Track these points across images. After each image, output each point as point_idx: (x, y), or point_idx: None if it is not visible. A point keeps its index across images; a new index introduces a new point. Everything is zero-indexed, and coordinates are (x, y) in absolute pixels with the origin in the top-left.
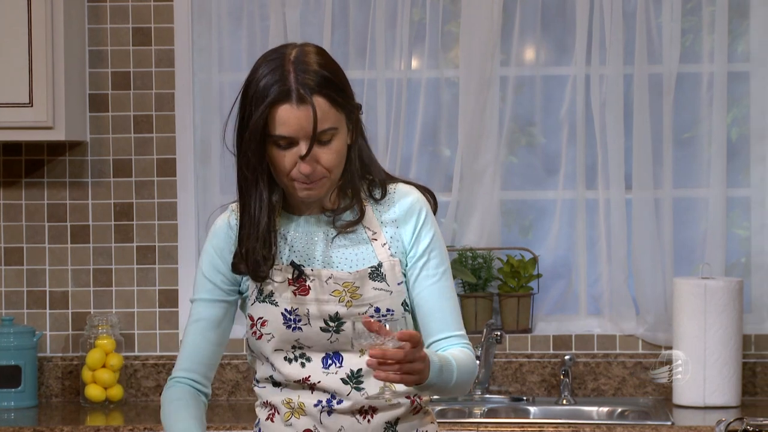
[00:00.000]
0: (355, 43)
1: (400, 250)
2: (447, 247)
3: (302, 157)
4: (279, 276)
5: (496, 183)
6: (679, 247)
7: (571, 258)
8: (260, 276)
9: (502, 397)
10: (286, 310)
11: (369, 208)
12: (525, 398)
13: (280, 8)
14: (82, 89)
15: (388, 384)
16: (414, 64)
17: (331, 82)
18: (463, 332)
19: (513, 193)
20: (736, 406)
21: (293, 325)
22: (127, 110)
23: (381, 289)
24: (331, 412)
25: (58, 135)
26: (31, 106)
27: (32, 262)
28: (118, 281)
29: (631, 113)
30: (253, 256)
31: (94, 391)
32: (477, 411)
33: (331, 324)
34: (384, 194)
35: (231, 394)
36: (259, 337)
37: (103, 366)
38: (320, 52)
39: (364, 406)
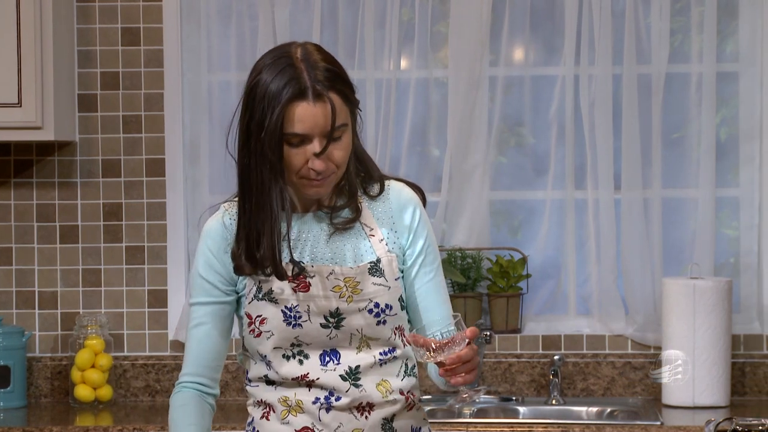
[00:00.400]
0: (344, 43)
1: (397, 246)
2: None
3: (317, 155)
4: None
5: (486, 183)
6: (668, 247)
7: (560, 258)
8: (284, 274)
9: (492, 397)
10: (286, 307)
11: (364, 205)
12: (514, 398)
13: (269, 8)
14: (71, 89)
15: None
16: (403, 64)
17: (341, 78)
18: (459, 317)
19: (502, 193)
20: (725, 406)
21: (293, 322)
22: (116, 110)
23: (380, 285)
24: (329, 409)
25: (47, 135)
26: (20, 106)
27: (21, 263)
28: (107, 281)
29: (620, 113)
30: (279, 255)
31: (83, 392)
32: (466, 411)
33: (331, 320)
34: (381, 191)
35: (220, 395)
36: (258, 335)
37: (93, 366)
38: (321, 49)
39: (361, 403)
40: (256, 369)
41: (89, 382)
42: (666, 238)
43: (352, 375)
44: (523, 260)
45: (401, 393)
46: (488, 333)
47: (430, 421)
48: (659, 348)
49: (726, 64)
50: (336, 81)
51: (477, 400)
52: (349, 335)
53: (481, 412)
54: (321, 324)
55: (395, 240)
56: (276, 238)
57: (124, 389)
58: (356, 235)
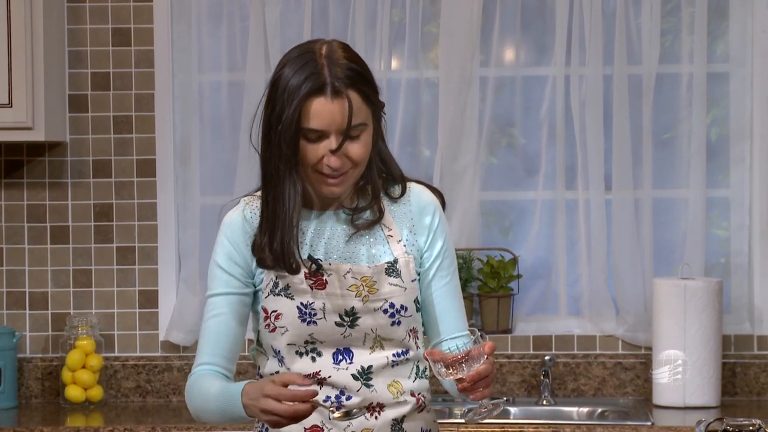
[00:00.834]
0: None
1: (415, 248)
2: None
3: (333, 151)
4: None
5: (476, 183)
6: (659, 248)
7: (551, 258)
8: (294, 268)
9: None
10: (301, 303)
11: (385, 206)
12: (505, 399)
13: (259, 9)
14: (62, 90)
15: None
16: (394, 64)
17: (363, 77)
18: (473, 327)
19: (493, 194)
20: (715, 407)
21: (308, 319)
22: (107, 111)
23: (396, 285)
24: (340, 407)
25: (38, 135)
26: (11, 106)
27: (12, 263)
28: (98, 282)
29: (611, 114)
30: (289, 248)
31: (74, 392)
32: (457, 411)
33: (346, 319)
34: (402, 193)
35: None
36: (273, 330)
37: (83, 367)
38: (348, 48)
39: (372, 403)
40: (269, 365)
41: (80, 382)
42: (657, 238)
43: (364, 375)
44: (514, 261)
45: (412, 394)
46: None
47: None
48: (650, 348)
49: (716, 64)
50: (357, 80)
51: (495, 414)
52: (363, 334)
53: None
54: (336, 322)
55: (414, 242)
56: (288, 233)
57: (115, 390)
58: (375, 235)
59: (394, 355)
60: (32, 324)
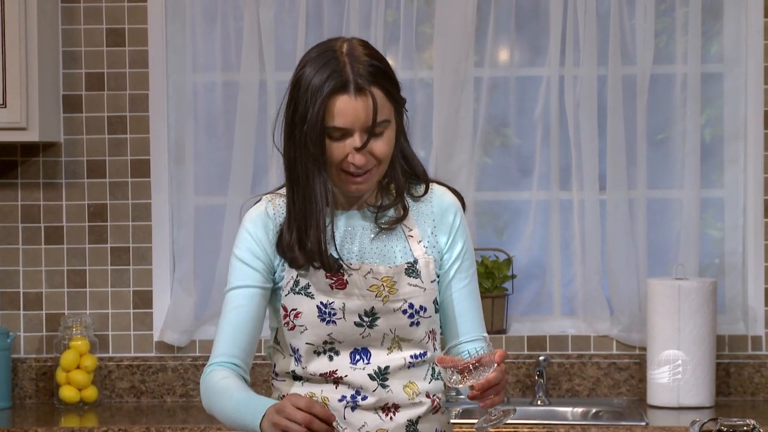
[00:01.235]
0: None
1: (436, 249)
2: None
3: (357, 149)
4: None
5: (471, 184)
6: (653, 248)
7: (545, 259)
8: (331, 265)
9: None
10: (321, 303)
11: (408, 205)
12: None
13: (254, 9)
14: (56, 90)
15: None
16: None
17: (385, 74)
18: (486, 333)
19: (487, 194)
20: (710, 407)
21: (327, 319)
22: (101, 111)
23: (416, 286)
24: (355, 407)
25: (32, 136)
26: (5, 107)
27: (6, 263)
28: (92, 282)
29: (605, 114)
30: (325, 246)
31: (68, 393)
32: (452, 411)
33: (366, 319)
34: (425, 192)
35: None
36: (292, 329)
37: (78, 367)
38: (368, 45)
39: (387, 403)
40: (284, 363)
41: (74, 383)
42: (651, 238)
43: (381, 375)
44: (509, 261)
45: (427, 396)
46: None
47: None
48: (644, 348)
49: (711, 64)
50: (379, 76)
51: (506, 421)
52: (381, 335)
53: (466, 413)
54: (355, 322)
55: (435, 243)
56: (322, 231)
57: (109, 390)
58: (396, 235)
59: (411, 356)
60: (26, 324)
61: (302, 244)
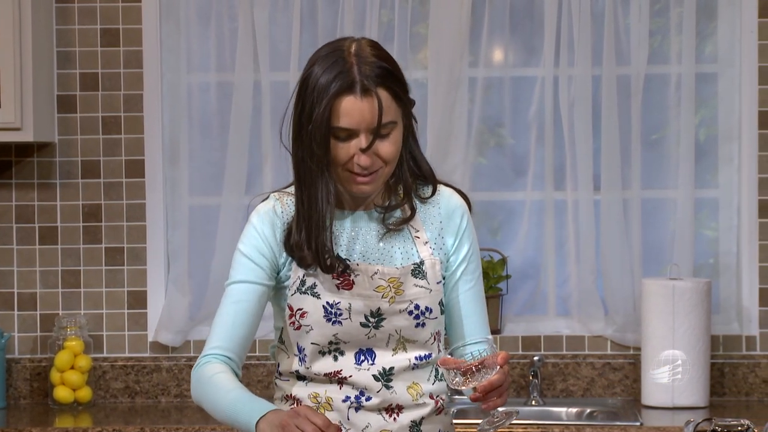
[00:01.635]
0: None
1: (442, 251)
2: None
3: (363, 150)
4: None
5: (465, 184)
6: (648, 248)
7: (539, 259)
8: (329, 266)
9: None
10: (327, 303)
11: (416, 206)
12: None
13: (248, 9)
14: (50, 90)
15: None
16: None
17: (393, 75)
18: (490, 335)
19: (482, 194)
20: (704, 407)
21: (333, 319)
22: (96, 111)
23: (422, 287)
24: (359, 408)
25: (26, 136)
26: None
27: (0, 264)
28: (87, 282)
29: (600, 114)
30: (323, 248)
31: (62, 393)
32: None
33: (372, 320)
34: (433, 193)
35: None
36: (298, 328)
37: (72, 367)
38: (377, 45)
39: (391, 404)
40: (288, 363)
41: (68, 383)
42: (645, 238)
43: (385, 376)
44: (503, 261)
45: (431, 396)
46: None
47: None
48: (639, 349)
49: (705, 65)
50: (387, 78)
51: (509, 424)
52: (387, 335)
53: (461, 413)
54: (361, 323)
55: (441, 245)
56: (323, 232)
57: (104, 390)
58: (402, 236)
59: (416, 357)
60: (21, 325)
61: (309, 243)
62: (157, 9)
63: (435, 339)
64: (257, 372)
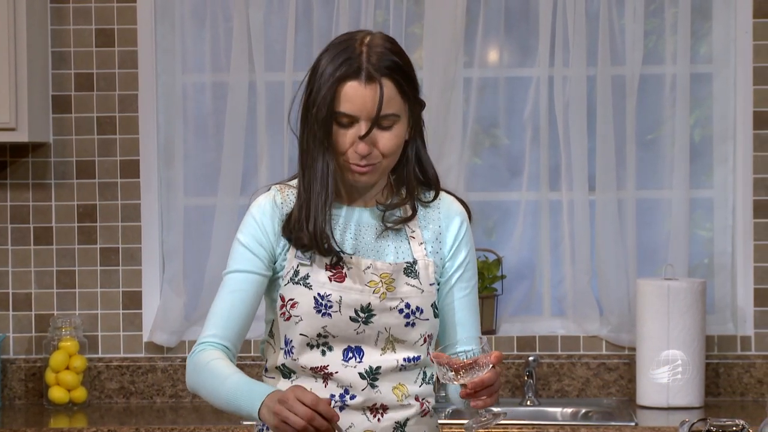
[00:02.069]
0: (318, 45)
1: (438, 255)
2: None
3: (361, 137)
4: (318, 260)
5: (460, 184)
6: (643, 248)
7: (534, 259)
8: (326, 249)
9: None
10: (318, 294)
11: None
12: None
13: (243, 9)
14: (45, 90)
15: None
16: None
17: (402, 70)
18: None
19: (477, 195)
20: (699, 407)
21: (323, 311)
22: (91, 111)
23: (414, 286)
24: (343, 407)
25: (21, 136)
26: None
27: None
28: (82, 283)
29: (595, 115)
30: (322, 230)
31: (57, 393)
32: (443, 413)
33: (361, 315)
34: (435, 197)
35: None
36: (288, 319)
37: (67, 368)
38: (392, 40)
39: (375, 404)
40: (275, 358)
41: (63, 383)
42: (640, 239)
43: (372, 374)
44: (498, 261)
45: (417, 399)
46: None
47: None
48: (633, 349)
49: (700, 65)
50: (394, 71)
51: (495, 424)
52: (376, 333)
53: (455, 414)
54: (350, 317)
55: (438, 249)
56: (321, 214)
57: (99, 391)
58: (398, 235)
59: (405, 359)
60: (15, 325)
61: (308, 225)
62: (152, 9)
63: (425, 341)
64: (250, 373)
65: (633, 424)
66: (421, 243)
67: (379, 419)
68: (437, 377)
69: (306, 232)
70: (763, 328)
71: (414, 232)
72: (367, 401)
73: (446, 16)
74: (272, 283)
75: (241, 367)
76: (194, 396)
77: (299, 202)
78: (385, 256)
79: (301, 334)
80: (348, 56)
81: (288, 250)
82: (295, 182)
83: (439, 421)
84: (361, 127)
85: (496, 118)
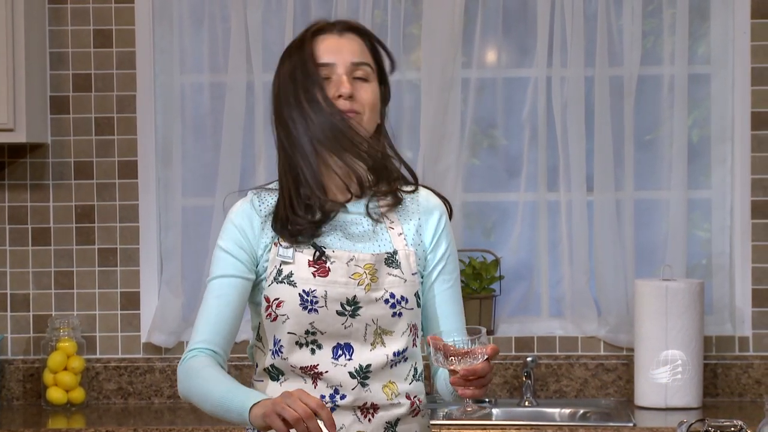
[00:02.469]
0: None
1: (420, 247)
2: None
3: (343, 76)
4: (299, 257)
5: (458, 185)
6: (641, 249)
7: (533, 260)
8: (328, 211)
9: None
10: (303, 291)
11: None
12: (487, 400)
13: (241, 10)
14: (43, 91)
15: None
16: None
17: (373, 39)
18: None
19: (475, 195)
20: (697, 408)
21: (309, 307)
22: (89, 112)
23: (396, 276)
24: (333, 408)
25: (19, 137)
26: None
27: None
28: (80, 283)
29: (593, 115)
30: (319, 182)
31: (55, 394)
32: (440, 413)
33: (348, 308)
34: (415, 189)
35: None
36: (274, 319)
37: (65, 369)
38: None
39: (365, 403)
40: (265, 360)
41: (61, 384)
42: (638, 239)
43: (362, 373)
44: (496, 262)
45: (407, 397)
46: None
47: None
48: (632, 349)
49: (698, 66)
50: (365, 34)
51: (478, 417)
52: (364, 326)
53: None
54: (337, 311)
55: (419, 241)
56: (312, 168)
57: (97, 392)
58: (377, 227)
59: (394, 354)
60: (14, 326)
61: (299, 206)
62: (150, 10)
63: (411, 331)
64: (240, 376)
65: (631, 424)
66: (400, 234)
67: (369, 419)
68: (431, 363)
69: (301, 216)
70: (761, 329)
71: (393, 223)
72: (357, 401)
73: (444, 17)
74: (255, 287)
75: (234, 368)
76: None
77: (281, 193)
78: (366, 247)
79: (289, 333)
80: (317, 21)
81: (269, 250)
82: (272, 185)
83: (435, 422)
84: (339, 67)
85: (494, 119)
